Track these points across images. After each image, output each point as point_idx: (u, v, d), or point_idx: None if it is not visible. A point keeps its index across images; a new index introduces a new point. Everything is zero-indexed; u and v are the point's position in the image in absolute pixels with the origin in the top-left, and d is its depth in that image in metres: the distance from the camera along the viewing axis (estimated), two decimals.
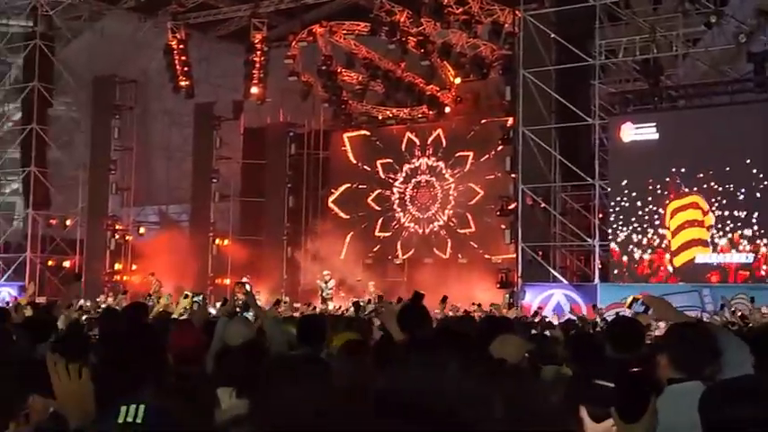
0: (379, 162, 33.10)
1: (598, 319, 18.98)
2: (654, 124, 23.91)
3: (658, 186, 23.66)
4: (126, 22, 33.91)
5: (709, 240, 23.12)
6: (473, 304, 24.26)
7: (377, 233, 32.77)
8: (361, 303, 23.27)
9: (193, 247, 32.77)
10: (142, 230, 34.27)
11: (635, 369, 4.63)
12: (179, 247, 31.98)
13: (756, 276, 22.46)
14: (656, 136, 23.80)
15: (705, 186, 23.07)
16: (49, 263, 32.92)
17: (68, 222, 33.64)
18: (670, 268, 23.58)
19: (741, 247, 22.71)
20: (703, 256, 23.22)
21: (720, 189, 22.86)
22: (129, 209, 34.57)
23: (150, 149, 35.64)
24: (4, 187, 37.57)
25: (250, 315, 10.64)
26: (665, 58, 24.87)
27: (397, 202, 32.76)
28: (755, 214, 22.50)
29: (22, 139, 32.73)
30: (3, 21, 34.55)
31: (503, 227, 27.29)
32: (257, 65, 32.43)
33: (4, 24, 34.81)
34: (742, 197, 22.62)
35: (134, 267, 33.29)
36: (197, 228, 33.83)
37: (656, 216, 23.74)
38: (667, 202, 23.61)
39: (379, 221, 32.77)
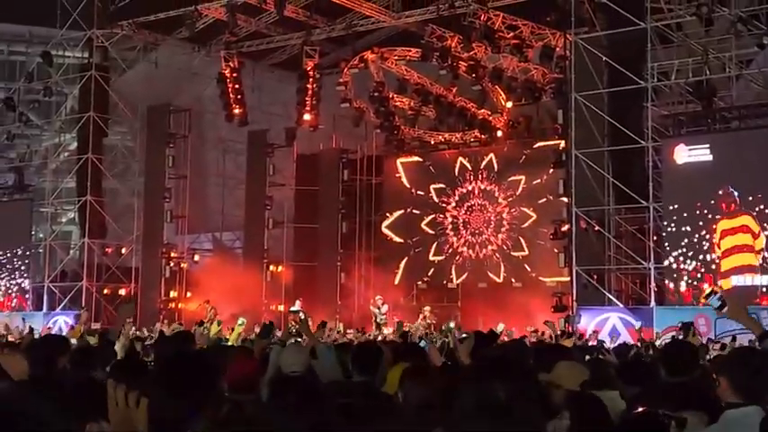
0: (432, 187, 33.82)
1: (657, 342, 19.34)
2: (707, 146, 24.32)
3: (710, 208, 24.04)
4: (180, 51, 35.06)
5: (758, 265, 23.41)
6: (532, 331, 24.84)
7: (431, 257, 33.45)
8: (410, 331, 23.69)
9: (247, 273, 33.52)
10: (197, 258, 35.07)
11: (640, 410, 4.64)
12: (233, 273, 32.75)
13: None
14: (710, 157, 24.18)
15: (757, 209, 23.40)
16: (105, 291, 33.69)
17: (124, 250, 34.50)
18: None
19: None
20: (752, 279, 23.53)
21: None
22: (183, 236, 35.42)
23: (204, 177, 36.63)
24: (61, 216, 38.79)
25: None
26: (717, 80, 25.33)
27: (450, 226, 33.42)
28: None
29: (78, 168, 33.73)
30: (59, 52, 35.80)
31: (556, 250, 27.83)
32: (309, 92, 33.20)
33: (61, 56, 36.09)
34: None
35: (189, 295, 34.02)
36: (251, 254, 34.70)
37: (704, 240, 24.09)
38: (718, 220, 23.95)
39: (433, 246, 33.45)
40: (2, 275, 34.95)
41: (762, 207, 23.33)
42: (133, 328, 26.54)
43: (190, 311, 32.74)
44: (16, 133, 35.87)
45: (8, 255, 34.82)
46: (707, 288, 21.33)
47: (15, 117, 35.12)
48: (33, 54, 40.42)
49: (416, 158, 34.40)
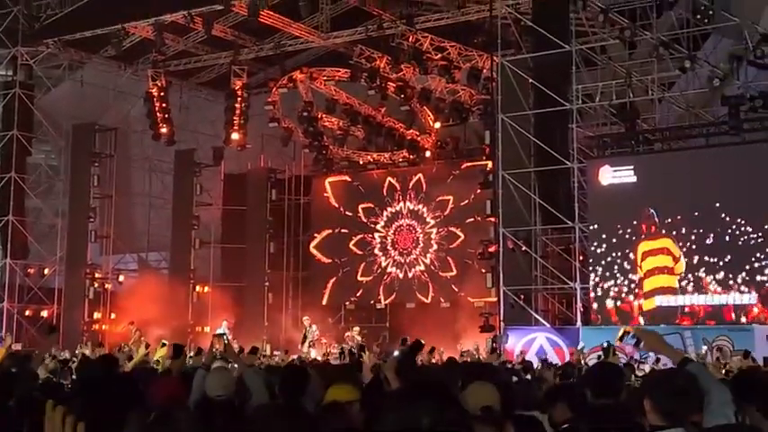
0: (360, 207, 33.79)
1: (583, 363, 19.45)
2: (631, 167, 24.69)
3: (633, 229, 24.36)
4: (106, 70, 34.58)
5: (677, 288, 23.73)
6: (464, 351, 24.96)
7: (359, 278, 33.38)
8: (352, 350, 23.60)
9: (173, 294, 32.99)
10: (121, 279, 34.56)
11: None
12: (159, 294, 32.18)
13: (726, 320, 23.07)
14: (634, 179, 24.55)
15: (676, 231, 23.77)
16: (27, 313, 33.05)
17: (46, 271, 33.87)
18: (641, 318, 24.16)
19: (711, 291, 23.37)
20: (673, 300, 23.87)
21: (693, 232, 23.54)
22: (108, 257, 34.77)
23: (130, 197, 36.18)
24: None
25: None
26: (641, 102, 25.82)
27: (378, 246, 33.42)
28: (727, 258, 23.10)
29: (1, 187, 33.11)
30: None
31: (484, 270, 27.94)
32: (237, 111, 33.01)
33: None
34: (712, 241, 23.26)
35: (113, 316, 33.37)
36: (177, 275, 34.26)
37: (628, 260, 24.39)
38: (639, 241, 24.28)
39: (361, 266, 33.39)
40: None
41: (682, 229, 23.69)
42: (57, 351, 26.04)
43: (114, 333, 32.23)
44: None
45: None
46: (620, 332, 21.51)
47: None
48: None
49: (345, 178, 34.37)
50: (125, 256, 35.66)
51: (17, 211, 32.84)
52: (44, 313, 33.32)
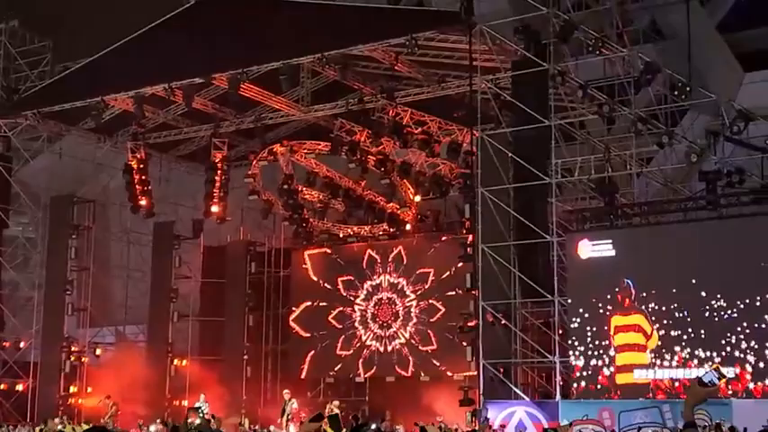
0: (340, 279, 33.68)
1: None
2: (610, 241, 24.72)
3: (609, 302, 24.43)
4: (85, 142, 34.66)
5: (649, 364, 23.65)
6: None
7: (338, 351, 33.12)
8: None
9: (151, 367, 32.80)
10: (98, 352, 34.16)
11: None
12: (136, 368, 32.01)
13: None
14: (613, 252, 24.60)
15: (653, 304, 23.75)
16: (2, 386, 32.78)
17: (22, 344, 33.63)
18: (617, 391, 24.05)
19: (686, 366, 23.30)
20: (648, 374, 23.80)
21: (669, 307, 23.49)
22: (85, 330, 34.55)
23: (108, 269, 36.00)
24: None
25: None
26: (619, 177, 25.99)
27: (358, 319, 33.23)
28: (701, 333, 23.05)
29: None
30: None
31: (464, 344, 27.80)
32: (217, 184, 33.10)
33: None
34: (687, 316, 23.22)
35: (89, 390, 33.11)
36: (155, 348, 33.94)
37: (604, 334, 24.35)
38: (612, 315, 24.24)
39: (341, 339, 33.16)
40: None
41: (658, 303, 23.71)
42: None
43: (89, 407, 31.87)
44: None
45: None
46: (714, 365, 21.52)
47: None
48: None
49: (325, 251, 34.30)
50: (102, 329, 35.40)
51: None
52: (19, 387, 32.98)
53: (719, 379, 5.52)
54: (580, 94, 25.24)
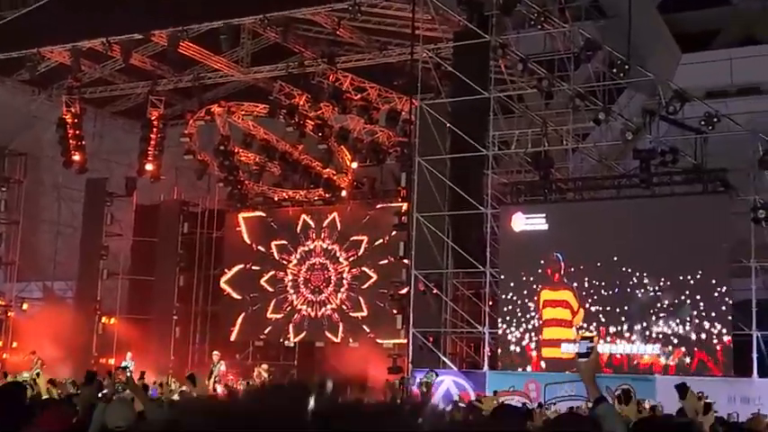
0: (273, 243, 32.92)
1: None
2: (544, 215, 24.45)
3: (540, 276, 24.16)
4: (19, 94, 33.44)
5: (574, 340, 23.43)
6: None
7: (269, 315, 32.45)
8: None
9: (78, 324, 31.89)
10: (25, 306, 33.28)
11: None
12: (63, 324, 31.08)
13: (623, 370, 22.84)
14: (546, 227, 24.34)
15: (580, 280, 23.56)
16: None
17: None
18: (542, 363, 23.92)
19: (608, 342, 23.18)
20: (572, 348, 23.60)
21: (595, 283, 23.34)
22: (12, 284, 33.66)
23: (38, 224, 34.83)
24: None
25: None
26: (555, 152, 25.68)
27: (290, 284, 32.56)
28: (625, 309, 22.96)
29: None
30: None
31: (395, 311, 27.40)
32: (153, 142, 32.19)
33: None
34: (613, 292, 23.11)
35: (15, 345, 32.22)
36: (83, 305, 32.97)
37: (532, 307, 24.16)
38: (542, 290, 24.03)
39: (272, 303, 32.48)
40: None
41: (585, 279, 23.49)
42: None
43: (15, 362, 30.89)
44: None
45: None
46: (583, 332, 21.46)
47: None
48: None
49: (259, 214, 33.49)
50: (30, 284, 34.33)
51: None
52: None
53: (591, 341, 5.62)
54: (520, 67, 24.82)
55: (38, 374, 23.27)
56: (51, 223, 34.86)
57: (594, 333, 22.26)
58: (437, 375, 24.28)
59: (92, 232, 33.12)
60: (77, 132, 32.53)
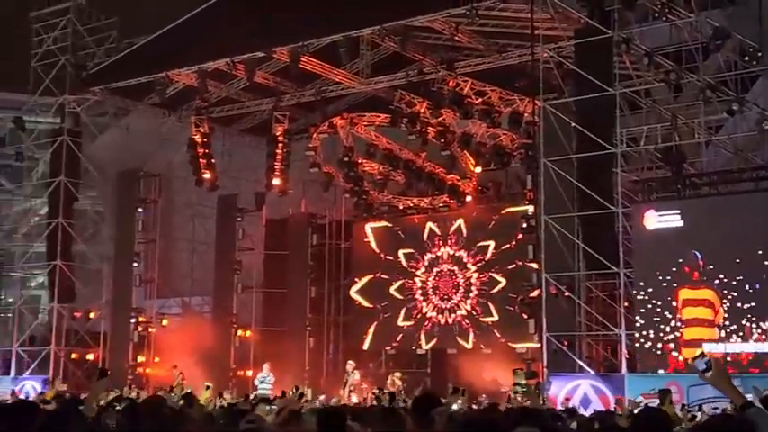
0: (401, 252, 32.32)
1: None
2: (678, 212, 23.00)
3: (678, 275, 22.70)
4: (150, 117, 33.86)
5: (718, 339, 21.99)
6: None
7: (399, 323, 31.82)
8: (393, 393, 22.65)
9: (216, 338, 31.95)
10: (165, 322, 33.52)
11: None
12: (202, 338, 31.21)
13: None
14: (681, 223, 22.90)
15: (721, 276, 21.99)
16: (73, 356, 32.33)
17: (92, 315, 33.22)
18: (681, 358, 22.46)
19: (753, 339, 21.58)
20: (717, 348, 22.07)
21: (737, 279, 21.73)
22: (152, 301, 33.98)
23: (173, 242, 35.17)
24: (30, 281, 37.23)
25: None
26: (687, 146, 24.15)
27: (419, 291, 31.86)
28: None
29: (49, 233, 32.33)
30: (31, 118, 34.59)
31: (526, 316, 26.38)
32: (279, 157, 32.02)
33: (33, 121, 34.86)
34: (755, 288, 21.46)
35: (157, 359, 32.54)
36: (219, 319, 33.01)
37: (670, 307, 22.72)
38: (680, 288, 22.57)
39: (402, 311, 31.84)
40: None
41: (726, 275, 21.93)
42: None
43: (158, 376, 31.22)
44: None
45: None
46: (697, 351, 20.12)
47: None
48: (6, 119, 38.96)
49: (385, 223, 32.94)
50: (168, 299, 34.62)
51: (64, 255, 32.35)
52: (90, 356, 32.61)
53: (704, 356, 5.65)
54: (646, 61, 23.52)
55: (207, 387, 23.31)
56: (186, 241, 35.09)
57: (701, 349, 20.62)
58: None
59: (225, 248, 33.13)
60: (207, 151, 32.67)
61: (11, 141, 36.10)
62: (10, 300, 34.62)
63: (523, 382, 24.45)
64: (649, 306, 23.03)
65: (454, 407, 14.68)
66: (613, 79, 23.69)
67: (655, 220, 23.34)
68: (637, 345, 23.21)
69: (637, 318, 23.15)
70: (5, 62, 35.05)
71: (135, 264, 32.58)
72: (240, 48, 28.30)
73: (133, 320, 32.43)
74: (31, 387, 30.80)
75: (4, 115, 42.66)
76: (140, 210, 33.18)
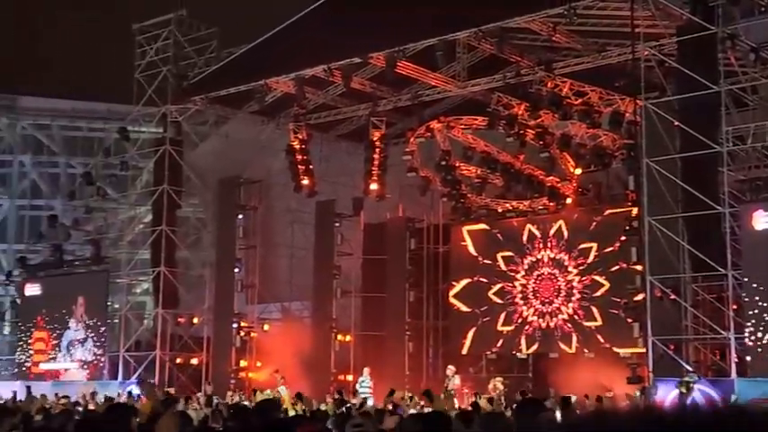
0: (499, 255, 31.91)
1: None
2: None
3: None
4: (250, 125, 34.16)
5: None
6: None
7: (499, 327, 31.40)
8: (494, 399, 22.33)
9: (316, 342, 32.03)
10: (266, 327, 33.81)
11: None
12: (302, 343, 31.35)
13: None
14: None
15: None
16: (178, 361, 32.73)
17: (195, 320, 33.64)
18: None
19: None
20: None
21: None
22: (253, 306, 34.22)
23: (273, 247, 35.41)
24: (136, 287, 37.87)
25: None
26: None
27: (519, 295, 31.40)
28: None
29: (153, 240, 32.89)
30: (135, 128, 35.29)
31: (630, 320, 25.73)
32: (376, 162, 31.89)
33: (137, 131, 35.57)
34: None
35: (258, 364, 32.76)
36: (319, 324, 33.03)
37: None
38: None
39: (502, 315, 31.42)
40: (86, 345, 34.26)
41: None
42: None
43: (259, 380, 31.44)
44: (94, 206, 35.66)
45: (89, 324, 34.27)
46: None
47: (93, 191, 35.02)
48: (111, 130, 39.95)
49: (483, 226, 32.55)
50: (269, 305, 34.85)
51: (168, 262, 32.75)
52: (194, 361, 32.91)
53: None
54: (752, 57, 22.76)
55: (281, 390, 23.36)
56: (286, 246, 35.30)
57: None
58: (699, 378, 22.47)
59: (323, 253, 33.17)
60: (305, 158, 32.78)
61: (116, 151, 36.84)
62: (117, 306, 35.29)
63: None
64: (760, 309, 22.22)
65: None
66: (718, 76, 22.93)
67: (764, 220, 22.56)
68: (748, 348, 22.40)
69: (748, 321, 22.34)
70: (110, 74, 35.91)
71: (236, 269, 32.82)
72: (337, 54, 28.29)
73: (235, 325, 32.67)
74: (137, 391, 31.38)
75: (109, 126, 43.84)
76: (241, 216, 33.42)
